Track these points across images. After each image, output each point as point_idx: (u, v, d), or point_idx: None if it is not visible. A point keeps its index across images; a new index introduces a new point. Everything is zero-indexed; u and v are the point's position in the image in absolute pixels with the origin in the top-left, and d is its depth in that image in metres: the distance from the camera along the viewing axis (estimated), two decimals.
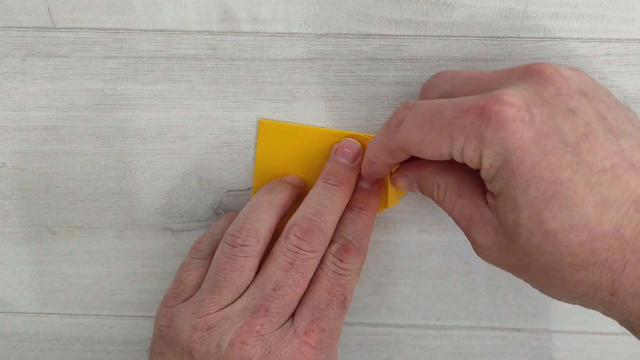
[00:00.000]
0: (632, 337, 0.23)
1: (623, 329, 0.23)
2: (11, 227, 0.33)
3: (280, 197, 0.29)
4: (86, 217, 0.33)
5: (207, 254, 0.29)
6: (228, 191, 0.32)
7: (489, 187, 0.23)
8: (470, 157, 0.22)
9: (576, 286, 0.22)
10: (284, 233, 0.27)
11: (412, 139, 0.24)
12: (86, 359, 0.37)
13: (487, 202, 0.24)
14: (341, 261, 0.27)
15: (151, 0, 0.27)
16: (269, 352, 0.26)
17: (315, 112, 0.30)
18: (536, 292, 0.24)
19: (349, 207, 0.29)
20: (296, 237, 0.27)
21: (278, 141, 0.30)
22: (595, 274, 0.21)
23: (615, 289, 0.21)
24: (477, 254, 0.25)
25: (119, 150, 0.31)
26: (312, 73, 0.29)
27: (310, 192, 0.29)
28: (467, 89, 0.24)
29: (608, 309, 0.22)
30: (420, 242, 0.33)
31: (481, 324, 0.35)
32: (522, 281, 0.24)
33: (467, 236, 0.25)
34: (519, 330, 0.35)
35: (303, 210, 0.28)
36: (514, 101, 0.21)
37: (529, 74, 0.22)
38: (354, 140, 0.29)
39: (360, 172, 0.29)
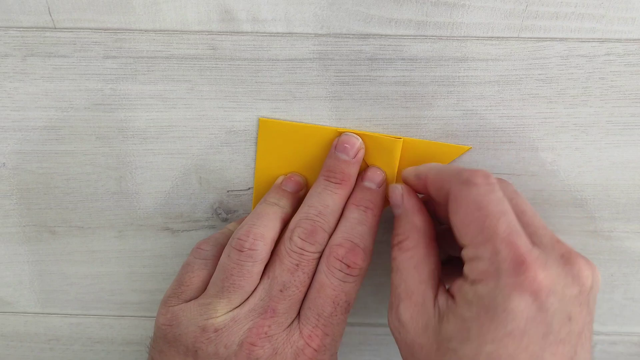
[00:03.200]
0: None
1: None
2: (11, 227, 0.33)
3: (283, 212, 0.29)
4: (86, 217, 0.33)
5: (210, 255, 0.29)
6: (228, 191, 0.32)
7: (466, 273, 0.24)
8: (477, 245, 0.24)
9: None
10: (287, 234, 0.27)
11: (466, 196, 0.24)
12: (86, 359, 0.37)
13: (435, 302, 0.25)
14: (348, 267, 0.27)
15: (151, 0, 0.27)
16: (276, 352, 0.26)
17: (315, 112, 0.30)
18: None
19: (355, 205, 0.29)
20: (300, 239, 0.27)
21: (278, 139, 0.30)
22: None
23: None
24: (391, 323, 0.26)
25: (119, 150, 0.31)
26: (312, 73, 0.29)
27: (311, 189, 0.29)
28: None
29: None
30: None
31: None
32: None
33: (391, 305, 0.26)
34: None
35: (305, 210, 0.28)
36: (544, 282, 0.22)
37: (571, 263, 0.23)
38: (354, 135, 0.29)
39: (361, 166, 0.29)
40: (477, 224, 0.24)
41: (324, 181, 0.28)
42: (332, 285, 0.27)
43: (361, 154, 0.29)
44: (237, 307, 0.27)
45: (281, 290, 0.26)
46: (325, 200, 0.28)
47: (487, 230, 0.24)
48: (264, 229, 0.27)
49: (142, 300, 0.35)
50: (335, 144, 0.29)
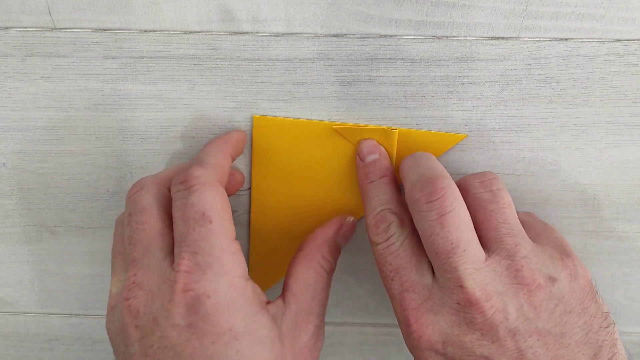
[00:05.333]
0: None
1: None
2: (11, 227, 0.33)
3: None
4: (86, 217, 0.33)
5: None
6: None
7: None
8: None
9: None
10: None
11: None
12: (86, 359, 0.37)
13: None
14: (182, 182, 0.25)
15: (151, 0, 0.27)
16: (153, 295, 0.24)
17: (315, 112, 0.30)
18: None
19: None
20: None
21: (273, 136, 0.30)
22: None
23: None
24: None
25: (119, 150, 0.31)
26: (312, 73, 0.29)
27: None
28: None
29: None
30: None
31: None
32: None
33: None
34: None
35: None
36: (432, 338, 0.25)
37: (464, 311, 0.24)
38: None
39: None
40: (383, 283, 0.27)
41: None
42: (177, 207, 0.25)
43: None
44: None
45: (130, 242, 0.26)
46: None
47: (387, 290, 0.27)
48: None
49: None
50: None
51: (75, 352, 0.37)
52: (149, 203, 0.26)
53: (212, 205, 0.25)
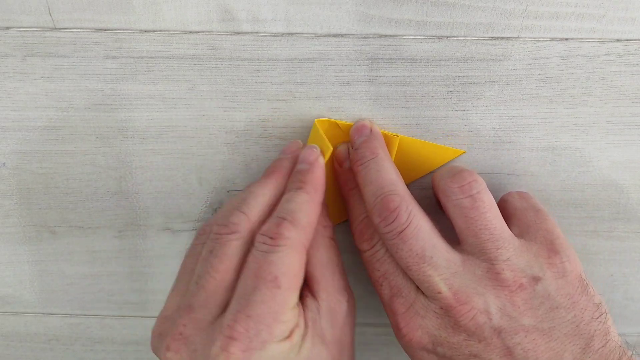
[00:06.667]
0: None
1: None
2: (11, 227, 0.33)
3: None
4: (86, 217, 0.33)
5: None
6: (228, 191, 0.32)
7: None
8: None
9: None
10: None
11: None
12: (86, 359, 0.37)
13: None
14: (271, 238, 0.24)
15: (151, 0, 0.27)
16: (195, 357, 0.23)
17: (315, 112, 0.30)
18: None
19: (287, 189, 0.27)
20: (217, 224, 0.25)
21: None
22: None
23: None
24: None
25: (119, 150, 0.31)
26: (312, 73, 0.29)
27: None
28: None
29: None
30: None
31: None
32: None
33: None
34: None
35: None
36: (423, 341, 0.26)
37: (449, 315, 0.25)
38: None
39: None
40: (374, 288, 0.28)
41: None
42: (255, 258, 0.24)
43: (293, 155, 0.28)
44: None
45: (196, 282, 0.24)
46: (250, 189, 0.27)
47: (379, 295, 0.27)
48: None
49: (142, 300, 0.35)
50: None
51: (75, 352, 0.37)
52: (233, 253, 0.25)
53: (288, 271, 0.24)
